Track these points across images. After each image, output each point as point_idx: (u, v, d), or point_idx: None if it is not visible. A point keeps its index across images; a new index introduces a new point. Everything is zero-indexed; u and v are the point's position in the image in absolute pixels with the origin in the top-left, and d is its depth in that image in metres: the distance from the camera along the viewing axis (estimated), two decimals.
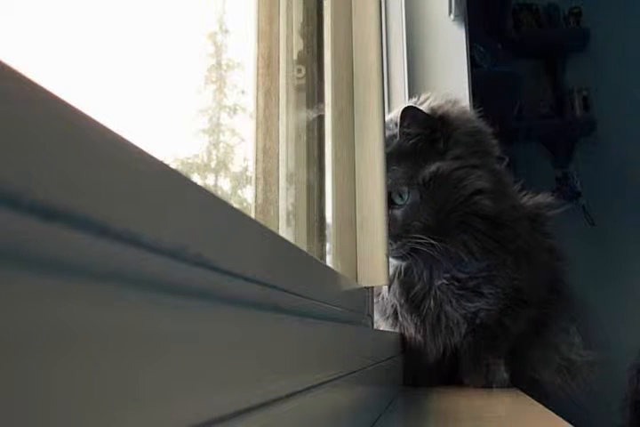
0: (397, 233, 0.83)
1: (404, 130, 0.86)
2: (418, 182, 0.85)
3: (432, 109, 0.90)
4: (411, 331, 0.88)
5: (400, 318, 0.89)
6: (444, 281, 0.85)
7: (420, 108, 0.88)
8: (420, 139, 0.86)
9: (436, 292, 0.85)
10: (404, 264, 0.87)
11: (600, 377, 0.96)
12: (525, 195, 0.99)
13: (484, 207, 0.85)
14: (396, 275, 0.87)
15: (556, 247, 0.98)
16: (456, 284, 0.85)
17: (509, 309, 0.88)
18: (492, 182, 0.86)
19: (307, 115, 0.75)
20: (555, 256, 0.98)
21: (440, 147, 0.87)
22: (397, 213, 0.84)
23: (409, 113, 0.86)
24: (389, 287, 0.88)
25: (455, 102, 0.94)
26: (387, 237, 0.70)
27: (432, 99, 0.93)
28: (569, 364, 0.95)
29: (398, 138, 0.86)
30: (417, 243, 0.83)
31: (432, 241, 0.82)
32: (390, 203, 0.84)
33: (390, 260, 0.80)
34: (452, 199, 0.84)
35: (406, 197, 0.85)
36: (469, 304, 0.85)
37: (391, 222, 0.82)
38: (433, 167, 0.85)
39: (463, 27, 1.41)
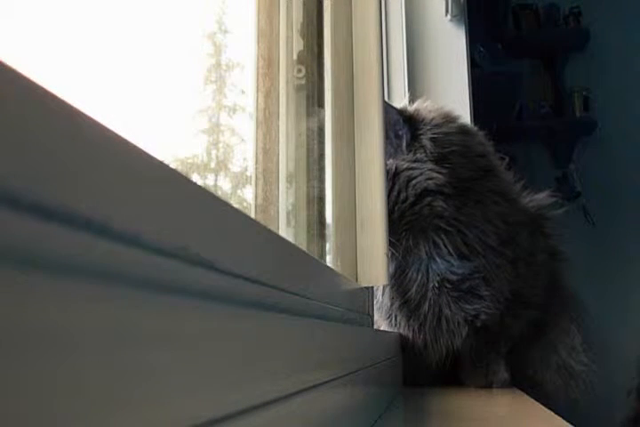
0: None
1: None
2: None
3: (403, 108, 0.90)
4: (409, 334, 0.88)
5: (394, 321, 0.89)
6: (435, 284, 0.85)
7: (397, 106, 0.89)
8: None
9: (431, 295, 0.85)
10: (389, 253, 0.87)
11: (600, 377, 0.96)
12: (528, 194, 0.98)
13: (435, 209, 0.84)
14: (392, 278, 0.87)
15: (557, 248, 0.98)
16: (448, 286, 0.84)
17: (510, 310, 0.88)
18: (447, 185, 0.85)
19: (307, 115, 0.75)
20: (555, 257, 0.98)
21: (403, 146, 0.87)
22: None
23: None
24: (384, 291, 0.88)
25: (440, 110, 0.93)
26: (387, 237, 0.70)
27: (420, 102, 0.93)
28: (568, 368, 0.95)
29: None
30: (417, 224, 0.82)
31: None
32: None
33: None
34: (402, 199, 0.84)
35: None
36: (468, 306, 0.85)
37: None
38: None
39: (462, 27, 1.41)
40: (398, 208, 0.85)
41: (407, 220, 0.85)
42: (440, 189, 0.84)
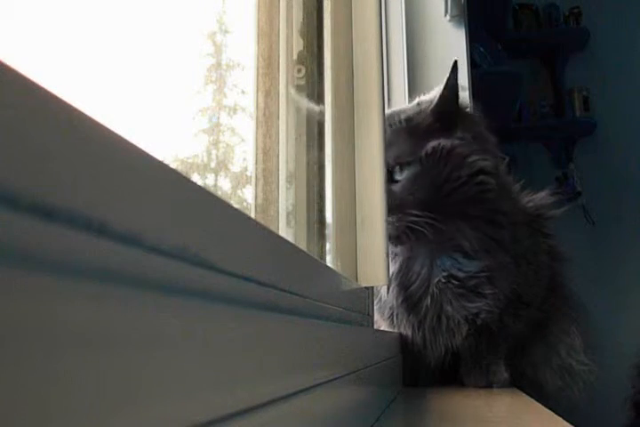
0: (392, 207, 0.79)
1: (450, 82, 0.85)
2: (420, 156, 0.83)
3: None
4: (409, 332, 0.88)
5: (396, 320, 0.88)
6: (442, 279, 0.84)
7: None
8: (444, 106, 0.86)
9: (434, 290, 0.85)
10: (397, 249, 0.86)
11: (600, 377, 0.96)
12: (527, 194, 0.98)
13: (487, 187, 0.83)
14: (394, 275, 0.87)
15: (556, 248, 0.98)
16: (454, 282, 0.84)
17: (510, 310, 0.88)
18: (495, 167, 0.85)
19: (307, 114, 0.75)
20: (554, 257, 0.98)
21: (454, 124, 0.86)
22: (395, 187, 0.82)
23: (457, 65, 0.86)
24: (388, 288, 0.87)
25: None
26: (387, 237, 0.70)
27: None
28: (568, 368, 0.95)
29: (441, 92, 0.86)
30: (413, 221, 0.80)
31: (429, 220, 0.80)
32: (390, 179, 0.82)
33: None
34: (454, 177, 0.83)
35: (404, 174, 0.83)
36: (470, 304, 0.84)
37: (388, 198, 0.81)
38: (434, 142, 0.84)
39: (462, 27, 1.41)
40: (448, 187, 0.83)
41: (453, 200, 0.83)
42: (493, 171, 0.84)
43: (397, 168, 0.83)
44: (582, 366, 0.95)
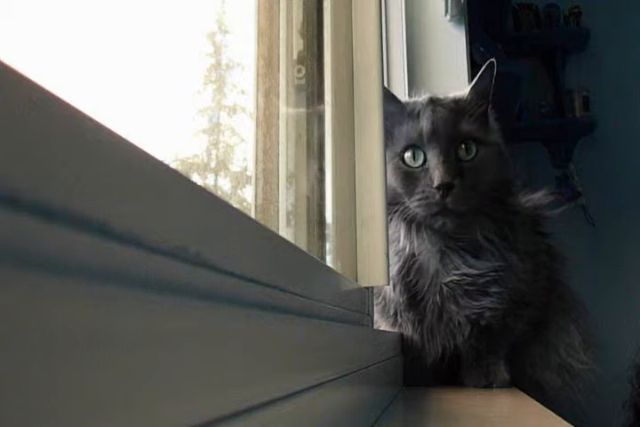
0: (472, 184, 0.82)
1: (486, 79, 0.88)
2: (489, 143, 0.86)
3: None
4: (408, 330, 0.88)
5: (400, 318, 0.88)
6: (455, 277, 0.84)
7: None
8: (481, 99, 0.88)
9: (442, 288, 0.85)
10: (400, 247, 0.87)
11: (600, 377, 0.96)
12: (524, 194, 0.98)
13: (513, 188, 0.89)
14: (398, 272, 0.86)
15: (554, 247, 0.98)
16: (468, 279, 0.84)
17: (511, 310, 0.88)
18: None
19: (307, 115, 0.75)
20: (553, 257, 0.98)
21: (488, 120, 0.89)
22: (468, 165, 0.84)
23: (493, 65, 0.88)
24: (394, 286, 0.87)
25: None
26: (387, 237, 0.70)
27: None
28: (568, 367, 0.95)
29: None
30: (485, 203, 0.84)
31: (499, 206, 0.85)
32: (454, 154, 0.84)
33: (435, 218, 0.81)
34: (501, 172, 0.87)
35: (473, 153, 0.85)
36: (475, 303, 0.84)
37: (464, 173, 0.83)
38: (495, 135, 0.89)
39: (462, 27, 1.41)
40: (497, 181, 0.87)
41: (490, 196, 0.86)
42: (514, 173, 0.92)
43: (463, 146, 0.85)
44: (582, 365, 0.95)
